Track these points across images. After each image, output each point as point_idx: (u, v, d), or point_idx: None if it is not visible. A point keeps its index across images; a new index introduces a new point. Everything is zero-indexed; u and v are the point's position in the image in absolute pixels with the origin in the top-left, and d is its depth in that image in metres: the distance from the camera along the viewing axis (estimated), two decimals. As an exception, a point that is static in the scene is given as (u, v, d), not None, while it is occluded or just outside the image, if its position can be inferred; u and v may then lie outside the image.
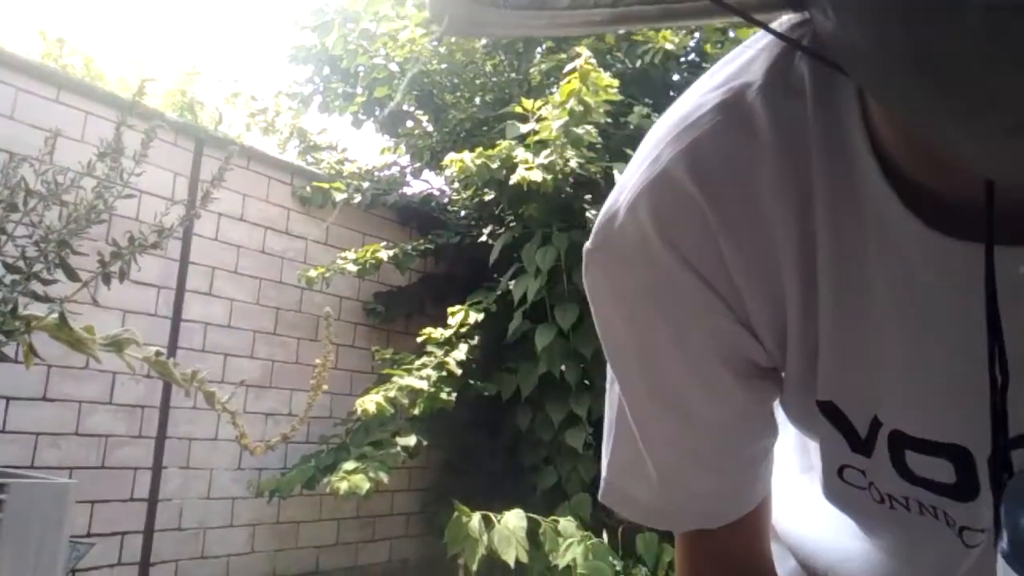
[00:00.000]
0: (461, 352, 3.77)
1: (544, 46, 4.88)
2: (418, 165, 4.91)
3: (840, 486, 0.55)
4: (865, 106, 0.42)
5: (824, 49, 0.35)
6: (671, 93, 4.64)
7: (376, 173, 4.86)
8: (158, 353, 1.10)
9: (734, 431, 0.56)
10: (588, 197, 3.81)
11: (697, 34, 4.57)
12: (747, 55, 0.48)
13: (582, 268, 0.54)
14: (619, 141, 3.93)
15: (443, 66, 4.75)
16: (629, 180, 0.50)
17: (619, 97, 3.76)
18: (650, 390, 0.55)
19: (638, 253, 0.49)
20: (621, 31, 4.25)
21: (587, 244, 0.52)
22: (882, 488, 0.53)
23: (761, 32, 0.46)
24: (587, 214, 3.65)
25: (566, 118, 3.58)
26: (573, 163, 3.59)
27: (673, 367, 0.53)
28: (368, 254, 3.97)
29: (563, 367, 3.74)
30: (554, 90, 3.81)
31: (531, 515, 3.23)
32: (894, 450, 0.50)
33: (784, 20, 0.43)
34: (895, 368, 0.47)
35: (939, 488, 0.50)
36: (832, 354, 0.49)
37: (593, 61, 3.61)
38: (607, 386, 0.59)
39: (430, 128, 4.85)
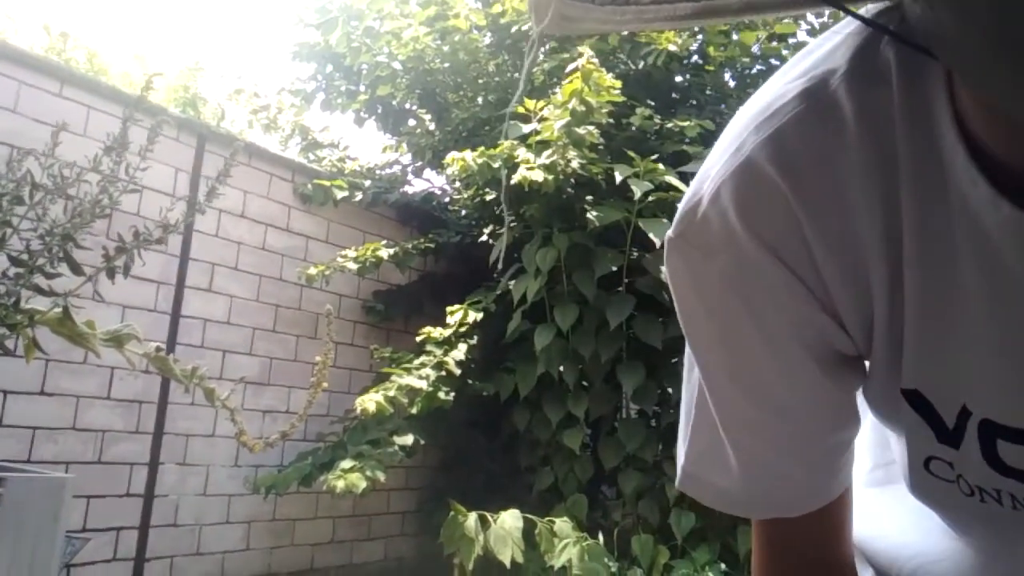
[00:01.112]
0: (460, 352, 3.77)
1: (548, 46, 4.87)
2: (419, 164, 4.91)
3: (927, 479, 0.54)
4: (952, 91, 0.42)
5: (912, 34, 0.35)
6: (674, 95, 4.64)
7: (377, 171, 4.86)
8: (158, 349, 1.10)
9: (816, 420, 0.56)
10: (589, 198, 3.80)
11: (700, 36, 4.57)
12: (830, 44, 0.48)
13: (664, 256, 0.54)
14: (621, 142, 3.93)
15: (446, 65, 4.75)
16: (712, 169, 0.50)
17: (621, 98, 3.75)
18: (732, 377, 0.55)
19: (722, 241, 0.49)
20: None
21: (669, 232, 0.52)
22: (971, 481, 0.52)
23: (844, 21, 0.46)
24: (588, 215, 3.65)
25: (568, 118, 3.57)
26: (575, 163, 3.59)
27: (756, 355, 0.53)
28: (368, 252, 3.97)
29: (561, 368, 3.74)
30: (556, 90, 3.81)
31: (527, 515, 3.23)
32: (984, 440, 0.49)
33: (869, 7, 0.43)
34: (984, 354, 0.47)
35: None
36: (918, 341, 0.48)
37: (595, 61, 3.60)
38: (685, 373, 0.59)
39: (432, 127, 4.85)
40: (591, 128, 3.63)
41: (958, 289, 0.45)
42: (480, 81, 4.89)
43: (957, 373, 0.48)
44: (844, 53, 0.46)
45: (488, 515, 3.17)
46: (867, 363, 0.54)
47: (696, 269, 0.52)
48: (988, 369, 0.47)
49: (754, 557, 0.64)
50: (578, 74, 3.56)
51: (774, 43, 4.56)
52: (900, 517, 0.64)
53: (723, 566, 3.31)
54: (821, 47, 0.49)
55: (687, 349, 0.57)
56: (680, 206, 0.52)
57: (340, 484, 3.13)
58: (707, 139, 3.81)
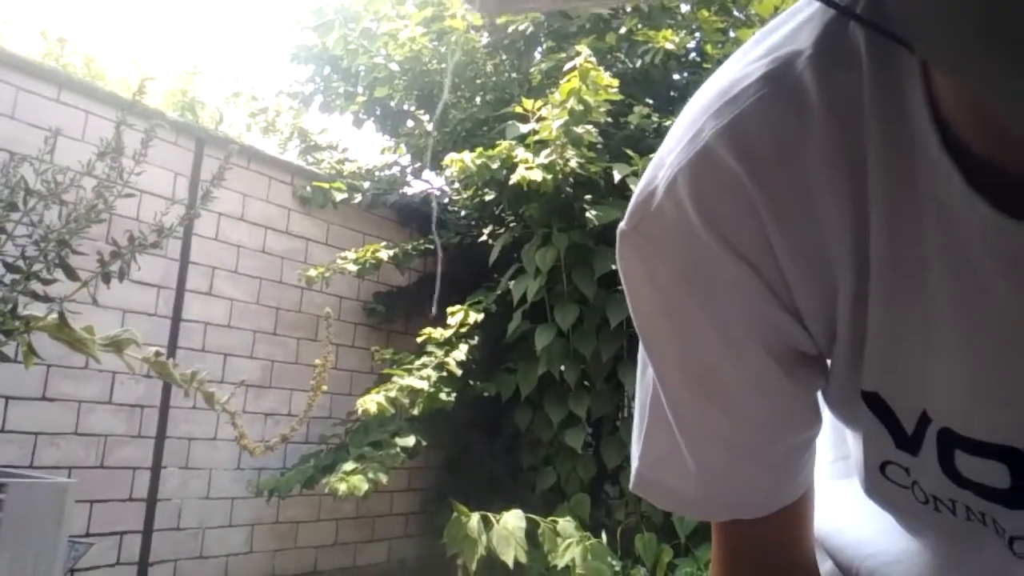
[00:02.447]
0: (461, 352, 3.77)
1: (544, 45, 4.88)
2: (418, 165, 4.91)
3: (882, 483, 0.53)
4: (928, 75, 0.39)
5: (882, 18, 0.33)
6: (672, 93, 4.64)
7: (376, 173, 4.86)
8: (158, 353, 1.10)
9: (776, 421, 0.53)
10: (588, 197, 3.81)
11: (698, 34, 4.57)
12: (794, 22, 0.44)
13: (616, 249, 0.50)
14: (619, 141, 3.93)
15: (443, 66, 4.75)
16: (667, 156, 0.47)
17: (619, 97, 3.75)
18: (688, 378, 0.52)
19: (677, 235, 0.46)
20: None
21: (621, 224, 0.49)
22: (927, 489, 0.50)
23: None
24: (587, 214, 3.65)
25: (566, 117, 3.58)
26: (573, 163, 3.59)
27: (713, 355, 0.50)
28: (368, 254, 3.98)
29: (562, 367, 3.74)
30: (554, 90, 3.81)
31: (530, 515, 3.23)
32: (943, 449, 0.47)
33: None
34: (948, 359, 0.44)
35: (989, 493, 0.47)
36: (881, 341, 0.45)
37: (593, 60, 3.60)
38: (639, 371, 0.56)
39: (430, 127, 4.85)
40: (589, 127, 3.63)
41: (925, 290, 0.43)
42: (478, 81, 4.89)
43: (919, 378, 0.46)
44: (810, 32, 0.43)
45: (491, 515, 3.17)
46: (828, 361, 0.52)
47: (650, 264, 0.48)
48: (950, 376, 0.45)
49: (713, 560, 0.62)
50: (576, 73, 3.56)
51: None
52: (859, 513, 0.61)
53: (727, 564, 3.31)
54: (785, 25, 0.45)
55: (640, 347, 0.54)
56: (634, 196, 0.48)
57: (342, 486, 3.13)
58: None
